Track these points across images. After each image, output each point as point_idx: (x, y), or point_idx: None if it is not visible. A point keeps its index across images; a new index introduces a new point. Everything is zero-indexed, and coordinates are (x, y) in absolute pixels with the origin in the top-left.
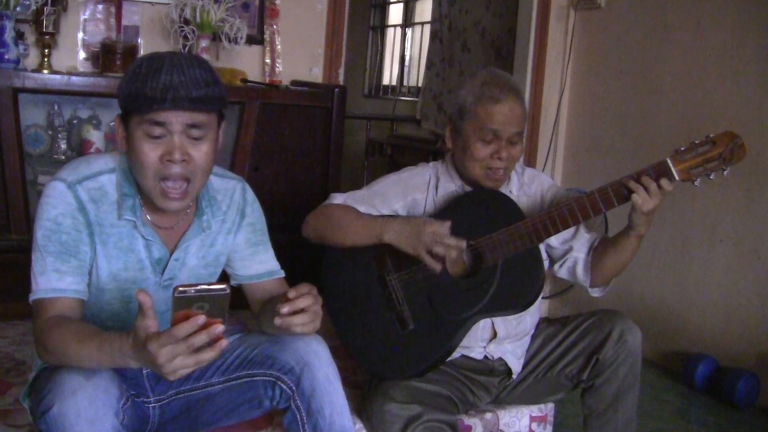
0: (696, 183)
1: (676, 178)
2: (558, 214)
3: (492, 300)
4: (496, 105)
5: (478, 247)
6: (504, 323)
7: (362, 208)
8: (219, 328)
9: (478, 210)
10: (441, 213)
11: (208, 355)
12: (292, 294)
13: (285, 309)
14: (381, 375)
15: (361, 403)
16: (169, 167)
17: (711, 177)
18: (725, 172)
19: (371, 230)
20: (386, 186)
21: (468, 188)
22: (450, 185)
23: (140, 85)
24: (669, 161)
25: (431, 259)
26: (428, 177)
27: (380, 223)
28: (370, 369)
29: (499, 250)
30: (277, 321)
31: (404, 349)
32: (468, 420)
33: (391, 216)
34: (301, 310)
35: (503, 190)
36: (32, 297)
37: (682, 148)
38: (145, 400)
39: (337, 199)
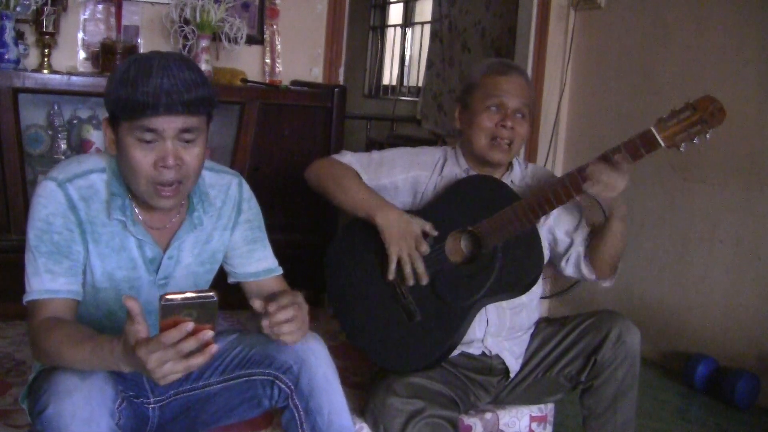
0: (681, 149)
1: (662, 144)
2: (552, 191)
3: (496, 282)
4: (502, 76)
5: (477, 233)
6: (497, 312)
7: (364, 175)
8: (208, 334)
9: (474, 196)
10: (439, 198)
11: (197, 361)
12: (272, 308)
13: (265, 323)
14: (392, 368)
15: (361, 403)
16: (163, 173)
17: (695, 141)
18: (707, 135)
19: (367, 205)
20: (396, 156)
21: (473, 172)
22: (455, 169)
23: (130, 90)
24: (653, 129)
25: (393, 264)
26: (437, 158)
27: (377, 203)
28: (381, 363)
29: (497, 234)
30: (266, 329)
31: (414, 339)
32: (468, 420)
33: (391, 204)
34: (285, 320)
35: (504, 179)
36: (26, 298)
37: (665, 116)
38: (145, 400)
39: (347, 156)
